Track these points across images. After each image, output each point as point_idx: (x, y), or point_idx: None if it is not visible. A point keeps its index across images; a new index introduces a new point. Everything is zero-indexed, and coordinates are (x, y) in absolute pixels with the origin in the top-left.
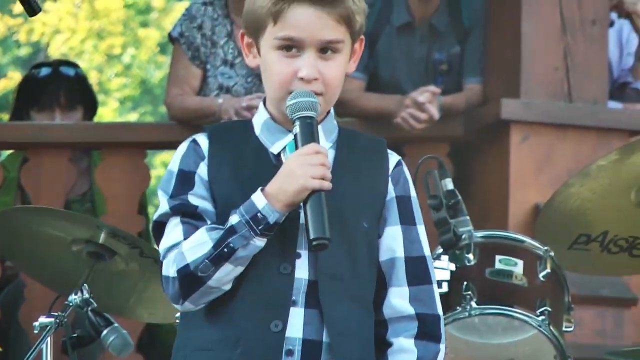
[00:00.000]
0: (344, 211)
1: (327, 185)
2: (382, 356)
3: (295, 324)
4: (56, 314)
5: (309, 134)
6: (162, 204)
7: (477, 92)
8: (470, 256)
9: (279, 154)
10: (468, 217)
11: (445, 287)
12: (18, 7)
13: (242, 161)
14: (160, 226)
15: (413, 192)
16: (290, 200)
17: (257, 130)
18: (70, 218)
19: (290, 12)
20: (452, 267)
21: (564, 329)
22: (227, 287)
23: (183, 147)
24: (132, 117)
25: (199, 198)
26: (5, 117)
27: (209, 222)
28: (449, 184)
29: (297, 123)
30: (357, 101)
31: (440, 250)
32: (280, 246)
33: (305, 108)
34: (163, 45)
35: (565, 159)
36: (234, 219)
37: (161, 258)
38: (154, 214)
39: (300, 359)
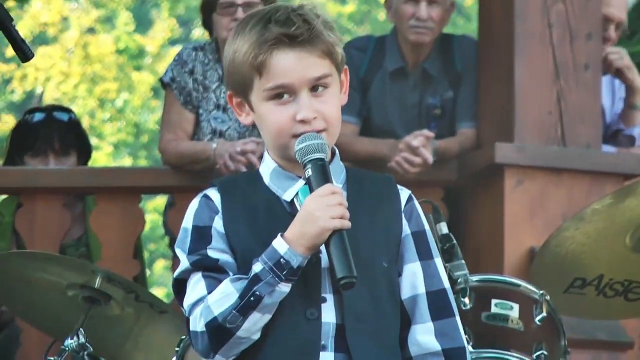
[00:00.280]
0: (362, 251)
1: (347, 224)
2: None
3: None
4: (52, 358)
5: (323, 176)
6: (181, 261)
7: (471, 137)
8: (466, 300)
9: (292, 200)
10: (463, 261)
11: None
12: (10, 51)
13: (256, 212)
14: (181, 284)
15: (426, 225)
16: (312, 243)
17: (267, 180)
18: (65, 263)
19: (273, 61)
20: None
21: None
22: (256, 336)
23: (195, 203)
24: (126, 161)
25: (218, 251)
26: None
27: (231, 273)
28: (443, 228)
29: (309, 166)
30: (351, 145)
31: None
32: (305, 291)
33: (314, 150)
34: (156, 90)
35: (560, 202)
36: (257, 267)
37: (187, 314)
38: (174, 273)
39: None
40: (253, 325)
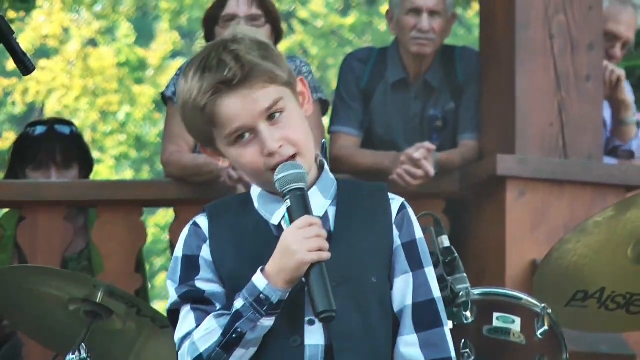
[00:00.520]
0: (351, 268)
1: (326, 255)
2: None
3: None
4: None
5: (301, 207)
6: (170, 293)
7: (473, 148)
8: (468, 314)
9: (279, 224)
10: (465, 275)
11: None
12: (12, 64)
13: (244, 237)
14: (173, 315)
15: (419, 233)
16: (291, 277)
17: (256, 204)
18: (67, 277)
19: (219, 110)
20: (450, 324)
21: None
22: None
23: (185, 231)
24: (128, 174)
25: (205, 282)
26: (1, 175)
27: (218, 305)
28: (445, 241)
29: (288, 196)
30: (353, 158)
31: None
32: (289, 319)
33: (293, 181)
34: (158, 103)
35: (562, 214)
36: (238, 303)
37: (177, 348)
38: (167, 303)
39: None
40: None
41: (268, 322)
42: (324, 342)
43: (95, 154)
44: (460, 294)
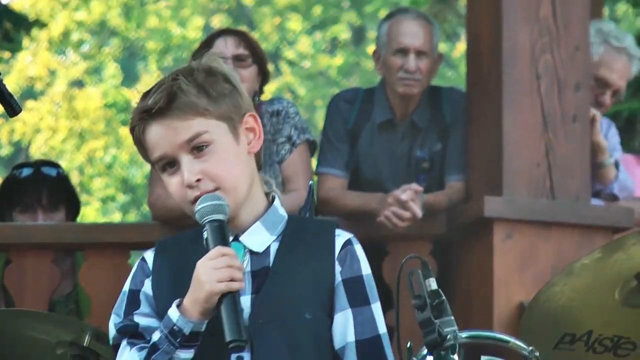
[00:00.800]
0: (284, 304)
1: (236, 286)
2: None
3: None
4: None
5: (217, 238)
6: (110, 327)
7: (460, 190)
8: (455, 357)
9: None
10: (452, 317)
11: None
12: None
13: (185, 272)
14: (115, 349)
15: (365, 270)
16: (204, 308)
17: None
18: (54, 320)
19: (146, 137)
20: None
21: None
22: None
23: (134, 266)
24: (115, 217)
25: (143, 316)
26: None
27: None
28: (432, 283)
29: (205, 228)
30: (340, 200)
31: (425, 351)
32: (216, 349)
33: (210, 212)
34: None
35: (549, 256)
36: (155, 335)
37: None
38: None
39: None
40: None
41: (185, 354)
42: None
43: (82, 197)
44: (448, 337)
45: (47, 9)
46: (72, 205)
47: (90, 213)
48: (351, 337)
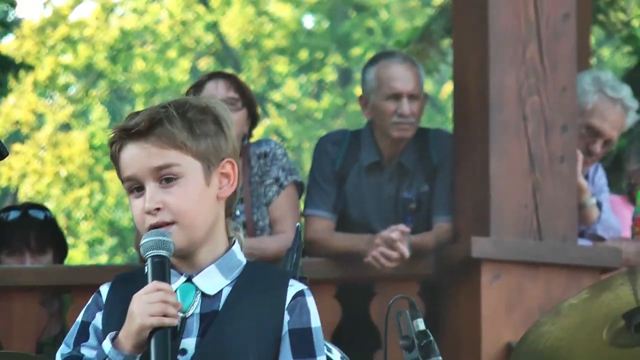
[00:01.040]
0: (228, 351)
1: (168, 321)
2: None
3: None
4: None
5: (156, 273)
6: (57, 355)
7: (447, 230)
8: None
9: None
10: (440, 358)
11: None
12: None
13: None
14: None
15: (315, 323)
16: (135, 342)
17: None
18: None
19: (122, 155)
20: None
21: None
22: None
23: (90, 298)
24: (102, 259)
25: (90, 349)
26: None
27: None
28: (420, 324)
29: (147, 263)
30: (327, 241)
31: None
32: None
33: (153, 247)
34: None
35: (537, 297)
36: None
37: None
38: None
39: None
40: None
41: None
42: None
43: (69, 240)
44: None
45: (33, 52)
46: (60, 247)
47: (77, 256)
48: None
